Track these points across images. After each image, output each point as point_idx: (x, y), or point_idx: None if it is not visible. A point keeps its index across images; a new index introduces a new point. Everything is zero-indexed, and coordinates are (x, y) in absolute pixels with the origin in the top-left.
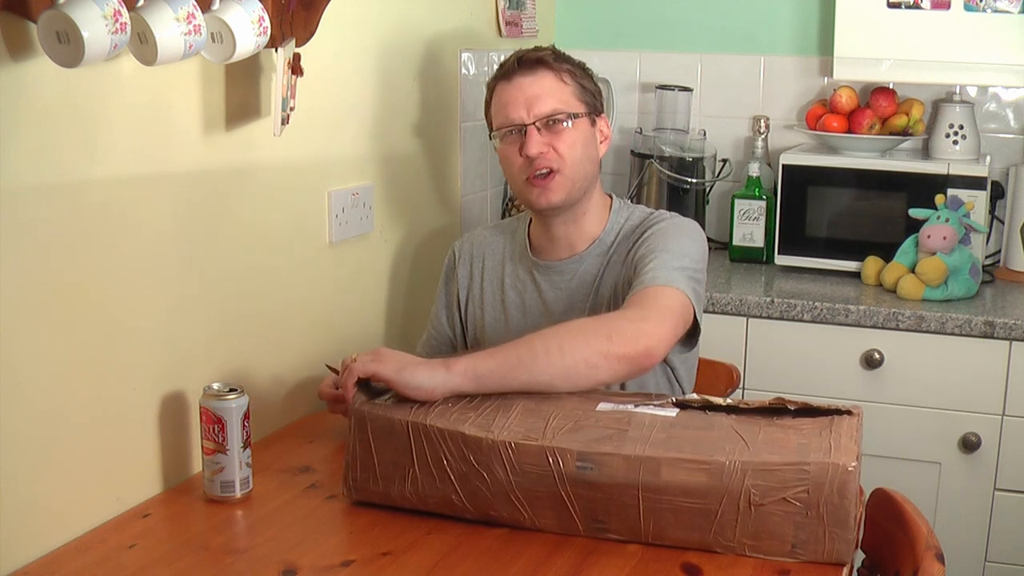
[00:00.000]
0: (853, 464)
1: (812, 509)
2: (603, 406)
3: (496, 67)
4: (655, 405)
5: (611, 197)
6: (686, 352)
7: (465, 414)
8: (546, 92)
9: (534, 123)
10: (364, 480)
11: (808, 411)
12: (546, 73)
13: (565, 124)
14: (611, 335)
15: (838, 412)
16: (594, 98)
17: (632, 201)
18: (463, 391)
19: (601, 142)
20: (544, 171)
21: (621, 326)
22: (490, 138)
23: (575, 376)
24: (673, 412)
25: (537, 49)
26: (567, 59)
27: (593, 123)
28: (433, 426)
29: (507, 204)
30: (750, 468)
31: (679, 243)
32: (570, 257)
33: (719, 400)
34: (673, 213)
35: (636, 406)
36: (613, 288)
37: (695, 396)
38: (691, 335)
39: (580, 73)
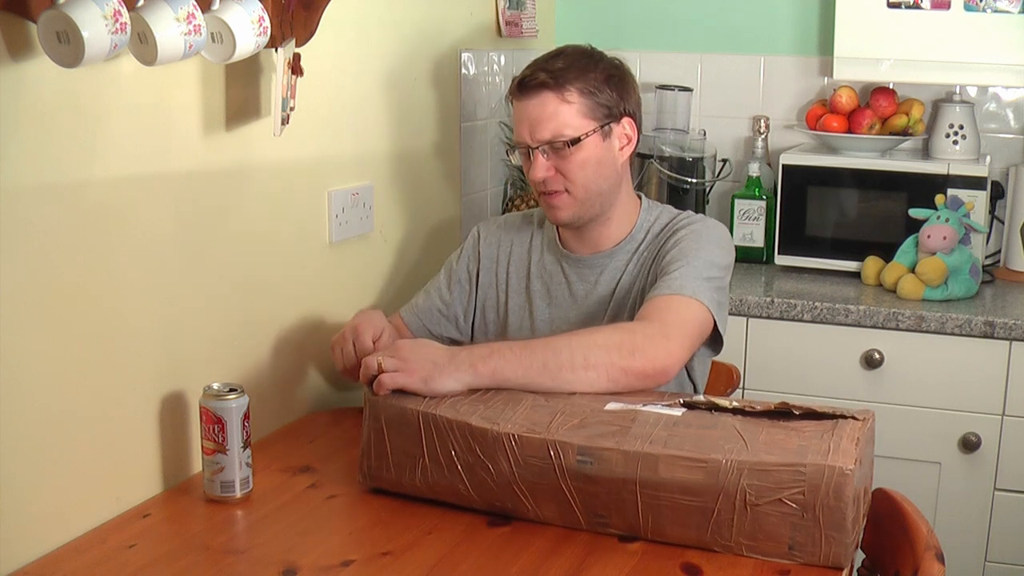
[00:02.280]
0: (850, 467)
1: (808, 511)
2: (612, 405)
3: (513, 75)
4: (663, 404)
5: (640, 197)
6: (708, 355)
7: (475, 406)
8: (546, 117)
9: (538, 147)
10: (378, 468)
11: (814, 415)
12: (548, 96)
13: (568, 147)
14: (634, 351)
15: (843, 416)
16: (611, 107)
17: None
18: (486, 387)
19: (622, 147)
20: (552, 191)
21: (644, 344)
22: (507, 152)
23: (594, 386)
24: (679, 412)
25: (544, 66)
26: (578, 73)
27: (609, 133)
28: (442, 416)
29: (507, 204)
30: (746, 468)
31: (708, 251)
32: (600, 252)
33: (725, 402)
34: (702, 216)
35: (644, 405)
36: (640, 287)
37: (702, 397)
38: (715, 340)
39: (595, 86)
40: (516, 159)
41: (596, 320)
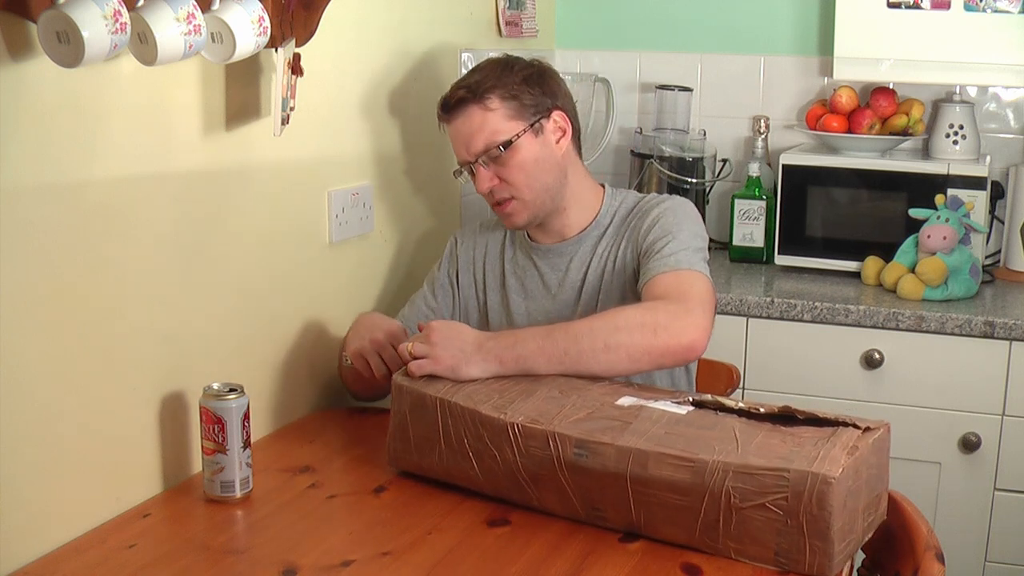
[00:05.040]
0: (835, 476)
1: (792, 518)
2: (623, 400)
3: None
4: (672, 402)
5: (603, 186)
6: None
7: (490, 395)
8: (475, 129)
9: (476, 160)
10: (403, 451)
11: (816, 420)
12: (471, 109)
13: (504, 152)
14: (656, 330)
15: (845, 424)
16: (536, 105)
17: None
18: (511, 374)
19: (559, 140)
20: (501, 200)
21: (667, 320)
22: (454, 175)
23: (617, 369)
24: (684, 410)
25: (460, 84)
26: (494, 80)
27: (541, 129)
28: (456, 403)
29: None
30: (731, 470)
31: (689, 225)
32: (566, 240)
33: (731, 402)
34: (668, 195)
35: (655, 401)
36: (613, 270)
37: (709, 397)
38: None
39: (515, 89)
40: (464, 180)
41: (570, 308)
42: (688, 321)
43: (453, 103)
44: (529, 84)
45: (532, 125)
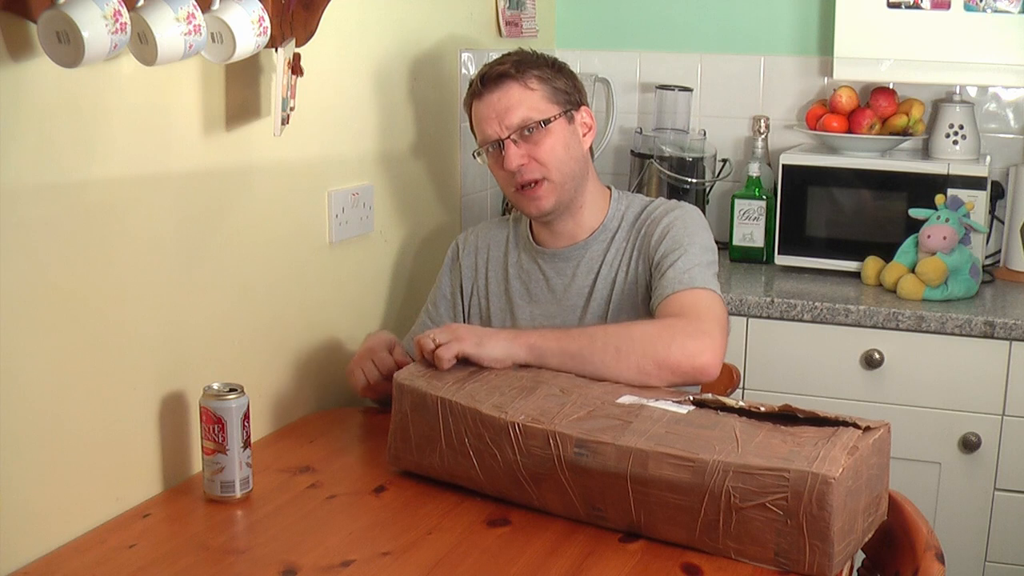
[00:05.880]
0: (835, 476)
1: (792, 518)
2: (624, 398)
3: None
4: (673, 401)
5: (610, 189)
6: None
7: (491, 395)
8: (514, 103)
9: (509, 136)
10: (404, 450)
11: (817, 420)
12: (511, 84)
13: (539, 131)
14: (670, 344)
15: (846, 424)
16: (569, 94)
17: None
18: (527, 363)
19: (585, 134)
20: (530, 182)
21: (683, 338)
22: (473, 155)
23: (623, 375)
24: (685, 409)
25: (500, 62)
26: (533, 63)
27: (572, 119)
28: (456, 403)
29: (507, 203)
30: (731, 470)
31: (700, 237)
32: (574, 244)
33: (732, 402)
34: (675, 202)
35: (656, 400)
36: (626, 279)
37: (710, 396)
38: None
39: (550, 73)
40: (482, 161)
41: (576, 313)
42: (704, 343)
43: (493, 76)
44: (563, 74)
45: (565, 112)
